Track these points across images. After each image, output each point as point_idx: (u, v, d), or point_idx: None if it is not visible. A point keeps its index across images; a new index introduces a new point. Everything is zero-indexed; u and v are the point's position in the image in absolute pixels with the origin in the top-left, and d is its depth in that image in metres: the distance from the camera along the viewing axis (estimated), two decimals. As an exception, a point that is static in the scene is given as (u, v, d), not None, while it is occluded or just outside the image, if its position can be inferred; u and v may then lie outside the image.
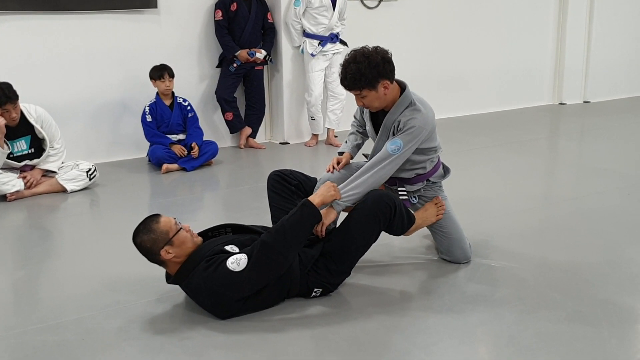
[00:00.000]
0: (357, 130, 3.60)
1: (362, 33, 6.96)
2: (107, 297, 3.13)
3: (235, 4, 6.11)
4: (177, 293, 3.13)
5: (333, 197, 3.01)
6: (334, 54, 6.43)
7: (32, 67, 5.56)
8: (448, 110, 7.49)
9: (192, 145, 5.62)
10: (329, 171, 3.44)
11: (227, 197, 5.05)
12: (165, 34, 6.07)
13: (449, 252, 3.44)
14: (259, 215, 4.11)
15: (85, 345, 2.69)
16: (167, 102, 5.73)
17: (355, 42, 6.67)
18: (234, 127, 6.44)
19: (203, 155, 5.68)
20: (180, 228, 2.88)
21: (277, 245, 2.78)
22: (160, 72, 5.61)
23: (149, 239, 2.83)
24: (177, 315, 2.97)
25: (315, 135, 6.66)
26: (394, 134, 3.17)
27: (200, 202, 4.97)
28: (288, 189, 3.34)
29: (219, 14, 6.10)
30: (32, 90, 5.35)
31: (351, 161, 3.49)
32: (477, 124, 7.41)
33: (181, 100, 5.79)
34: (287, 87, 6.59)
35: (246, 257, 2.77)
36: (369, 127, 3.41)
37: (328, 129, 6.61)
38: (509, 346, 2.64)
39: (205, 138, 5.85)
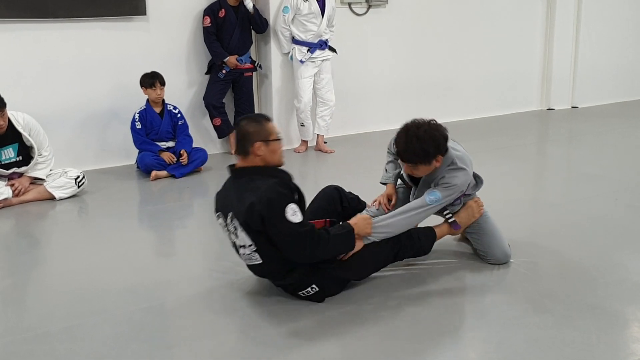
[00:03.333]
0: (395, 159, 3.69)
1: (351, 40, 7.00)
2: (95, 305, 3.12)
3: (223, 10, 6.11)
4: (167, 301, 3.13)
5: (366, 234, 3.13)
6: (322, 60, 6.44)
7: (19, 74, 5.54)
8: (437, 116, 7.34)
9: (181, 152, 5.61)
10: (378, 208, 3.59)
11: (217, 203, 5.04)
12: (154, 40, 6.06)
13: (488, 251, 3.50)
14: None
15: (73, 354, 2.68)
16: (157, 110, 5.71)
17: (345, 49, 6.78)
18: (221, 132, 6.43)
19: (192, 163, 5.66)
20: (281, 140, 3.02)
21: (322, 245, 2.89)
22: (152, 80, 5.59)
23: (254, 127, 2.94)
24: (165, 324, 2.96)
25: (304, 142, 6.66)
26: (435, 185, 3.30)
27: (189, 208, 4.95)
28: (337, 207, 3.43)
29: (207, 20, 6.09)
30: (20, 97, 5.32)
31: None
32: (466, 130, 7.42)
33: (171, 107, 5.77)
34: (277, 93, 6.59)
35: (301, 218, 2.86)
36: (406, 176, 3.55)
37: (317, 135, 6.62)
38: (498, 352, 2.65)
39: (194, 145, 5.84)
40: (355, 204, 3.49)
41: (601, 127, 7.56)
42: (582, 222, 4.22)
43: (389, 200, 3.62)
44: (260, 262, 2.98)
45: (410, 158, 3.17)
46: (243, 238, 2.94)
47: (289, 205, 2.85)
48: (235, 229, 2.95)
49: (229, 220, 2.99)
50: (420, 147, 3.11)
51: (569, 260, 3.55)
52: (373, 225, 3.17)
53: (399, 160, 3.35)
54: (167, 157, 5.59)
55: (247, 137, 2.94)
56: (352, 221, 3.13)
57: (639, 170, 5.70)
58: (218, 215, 3.10)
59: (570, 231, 4.05)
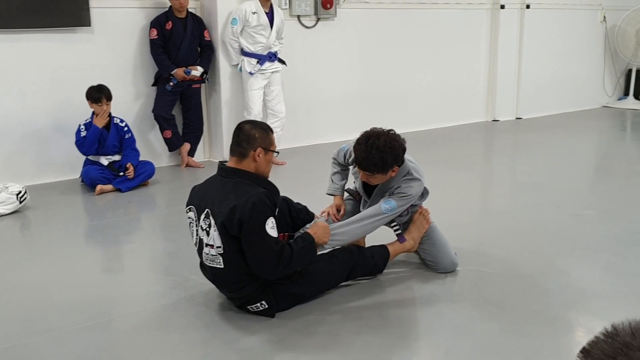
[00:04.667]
0: (341, 170, 3.72)
1: (300, 52, 7.03)
2: (39, 324, 3.02)
3: (170, 22, 6.05)
4: (113, 318, 3.07)
5: (324, 242, 3.15)
6: (272, 72, 6.43)
7: (-42, 86, 5.38)
8: (386, 127, 7.56)
9: (127, 165, 5.51)
10: (327, 219, 3.56)
11: (165, 217, 4.97)
12: (99, 52, 5.96)
13: (437, 261, 3.54)
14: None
15: (14, 374, 2.60)
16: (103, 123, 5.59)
17: (295, 61, 6.80)
18: (172, 144, 6.36)
19: (139, 176, 5.56)
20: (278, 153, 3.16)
21: (287, 262, 2.87)
22: (98, 95, 5.44)
23: (260, 133, 2.99)
24: (111, 341, 2.90)
25: (254, 154, 6.62)
26: (390, 194, 3.33)
27: (136, 223, 4.86)
28: (286, 218, 3.40)
29: (154, 32, 6.03)
30: (-41, 110, 5.17)
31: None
32: (414, 141, 7.48)
33: (118, 120, 5.66)
34: (226, 105, 6.56)
35: (277, 234, 2.88)
36: (359, 185, 3.54)
37: (267, 147, 6.59)
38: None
39: (141, 157, 5.74)
40: (303, 215, 3.49)
41: (544, 138, 7.76)
42: (526, 230, 4.31)
43: (338, 210, 3.64)
44: (222, 267, 2.94)
45: (368, 167, 3.19)
46: (214, 238, 2.90)
47: (271, 218, 2.85)
48: (209, 227, 2.91)
49: (202, 217, 2.95)
50: (380, 157, 3.14)
51: (515, 268, 3.62)
52: (330, 230, 3.20)
53: (356, 167, 3.37)
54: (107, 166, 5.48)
55: (252, 140, 2.97)
56: (311, 230, 3.12)
57: (581, 179, 5.88)
58: (190, 208, 3.06)
59: (516, 239, 4.13)
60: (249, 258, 2.87)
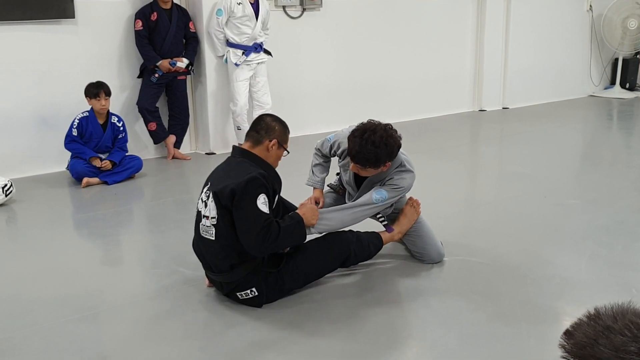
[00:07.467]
0: (323, 162, 3.71)
1: (286, 43, 7.00)
2: (25, 317, 3.01)
3: (155, 13, 6.01)
4: (100, 311, 3.06)
5: (312, 225, 3.15)
6: (258, 63, 6.41)
7: (-59, 79, 5.31)
8: (372, 117, 7.55)
9: (105, 163, 5.44)
10: None
11: (151, 210, 4.95)
12: (83, 44, 5.91)
13: (423, 252, 3.55)
14: (183, 227, 4.05)
15: (0, 369, 2.59)
16: (101, 121, 5.51)
17: (280, 52, 6.78)
18: (157, 137, 6.33)
19: (126, 170, 5.50)
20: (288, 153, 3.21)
21: (273, 238, 2.86)
22: (96, 91, 5.38)
23: (280, 127, 3.12)
24: (98, 334, 2.89)
25: (241, 145, 6.61)
26: (382, 185, 3.32)
27: (122, 216, 4.83)
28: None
29: (139, 24, 5.98)
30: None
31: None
32: (400, 131, 7.52)
33: (115, 119, 5.59)
34: (212, 97, 6.53)
35: (268, 211, 2.88)
36: (349, 175, 3.49)
37: (254, 138, 6.57)
38: (432, 350, 2.69)
39: (128, 151, 5.70)
40: (289, 204, 3.45)
41: (531, 128, 7.79)
42: (512, 220, 4.33)
43: (317, 203, 3.60)
44: (213, 239, 2.95)
45: (361, 161, 3.17)
46: (210, 209, 2.95)
47: (263, 194, 2.88)
48: (208, 198, 2.97)
49: (205, 189, 3.03)
50: (374, 152, 3.12)
51: (500, 258, 3.64)
52: (319, 214, 3.19)
53: (345, 160, 3.35)
54: (97, 162, 5.43)
55: (271, 131, 3.08)
56: (300, 211, 3.12)
57: (567, 169, 5.92)
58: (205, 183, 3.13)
59: (501, 229, 4.15)
60: (238, 230, 2.88)
